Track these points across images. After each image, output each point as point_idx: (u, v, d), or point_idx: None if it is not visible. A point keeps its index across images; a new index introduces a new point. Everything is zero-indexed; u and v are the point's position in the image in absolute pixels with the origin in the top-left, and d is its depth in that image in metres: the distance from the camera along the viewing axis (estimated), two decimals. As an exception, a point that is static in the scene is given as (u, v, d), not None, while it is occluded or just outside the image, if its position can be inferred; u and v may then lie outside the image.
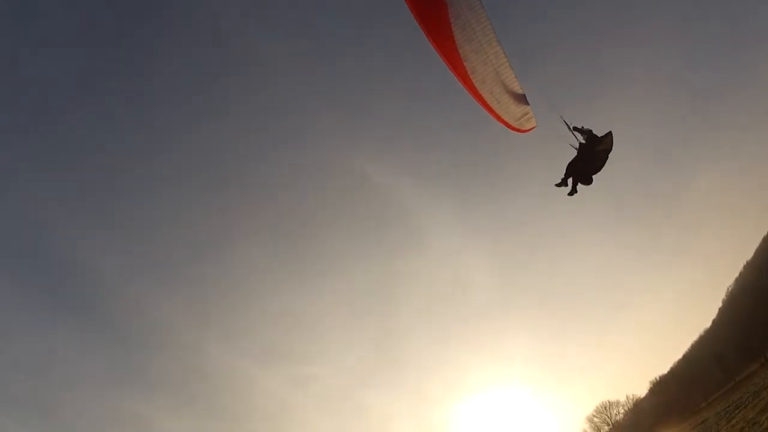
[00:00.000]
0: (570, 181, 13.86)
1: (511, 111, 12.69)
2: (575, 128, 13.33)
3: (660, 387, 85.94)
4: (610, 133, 13.37)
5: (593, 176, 13.71)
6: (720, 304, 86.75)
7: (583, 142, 13.33)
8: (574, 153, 13.42)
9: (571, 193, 13.94)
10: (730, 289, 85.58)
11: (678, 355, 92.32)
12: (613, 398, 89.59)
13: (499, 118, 12.61)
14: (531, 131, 13.28)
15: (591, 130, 13.37)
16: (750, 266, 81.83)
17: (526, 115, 12.97)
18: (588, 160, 13.44)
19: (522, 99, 12.63)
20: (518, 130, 13.12)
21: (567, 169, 13.75)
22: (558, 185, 13.90)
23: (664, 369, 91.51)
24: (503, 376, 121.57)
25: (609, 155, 13.47)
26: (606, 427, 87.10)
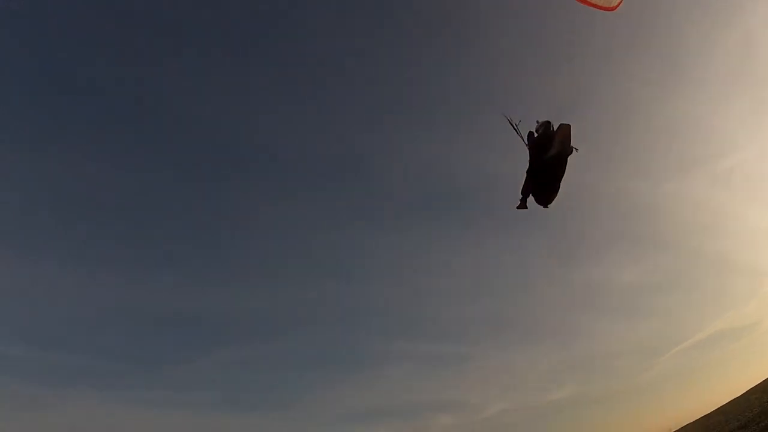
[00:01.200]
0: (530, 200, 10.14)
1: (595, -13, 11.15)
2: (531, 133, 9.83)
3: None
4: (563, 126, 9.54)
5: (552, 195, 9.79)
6: None
7: (531, 146, 9.82)
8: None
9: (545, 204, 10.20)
10: None
11: None
12: None
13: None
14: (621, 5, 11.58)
15: (548, 123, 9.67)
16: None
17: (612, -13, 11.35)
18: (538, 174, 9.72)
19: None
20: (608, 9, 11.50)
21: (524, 185, 9.99)
22: (519, 207, 10.22)
23: None
24: None
25: (567, 161, 9.47)
26: None
